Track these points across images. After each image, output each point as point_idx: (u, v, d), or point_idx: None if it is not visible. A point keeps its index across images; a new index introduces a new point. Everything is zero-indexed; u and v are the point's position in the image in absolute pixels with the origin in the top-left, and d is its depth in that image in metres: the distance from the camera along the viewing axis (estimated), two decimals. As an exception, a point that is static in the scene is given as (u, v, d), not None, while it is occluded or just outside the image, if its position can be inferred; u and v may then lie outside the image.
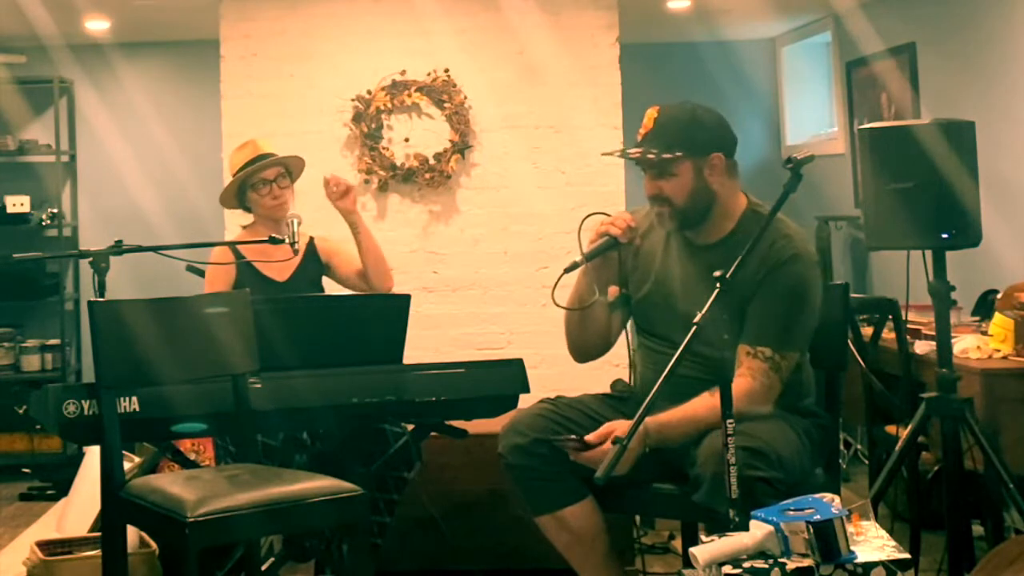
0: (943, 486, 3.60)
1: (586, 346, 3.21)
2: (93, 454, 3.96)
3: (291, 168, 4.13)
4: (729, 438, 2.51)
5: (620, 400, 3.14)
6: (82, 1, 5.59)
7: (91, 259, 3.28)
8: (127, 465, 3.76)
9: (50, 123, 6.56)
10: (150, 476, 3.27)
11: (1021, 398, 3.72)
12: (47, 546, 3.72)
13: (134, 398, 3.11)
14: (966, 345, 3.93)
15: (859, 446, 5.65)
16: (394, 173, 5.61)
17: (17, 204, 6.48)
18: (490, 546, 4.05)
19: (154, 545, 3.68)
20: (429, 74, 5.61)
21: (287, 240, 3.76)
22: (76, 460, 4.68)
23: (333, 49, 5.66)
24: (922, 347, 4.09)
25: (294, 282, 4.06)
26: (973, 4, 5.05)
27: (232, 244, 4.14)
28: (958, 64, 5.17)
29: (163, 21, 6.18)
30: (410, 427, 3.62)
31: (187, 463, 3.57)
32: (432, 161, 5.61)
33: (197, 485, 2.86)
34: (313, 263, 4.13)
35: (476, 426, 3.60)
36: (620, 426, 2.83)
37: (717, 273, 2.58)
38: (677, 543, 4.14)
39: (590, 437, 2.86)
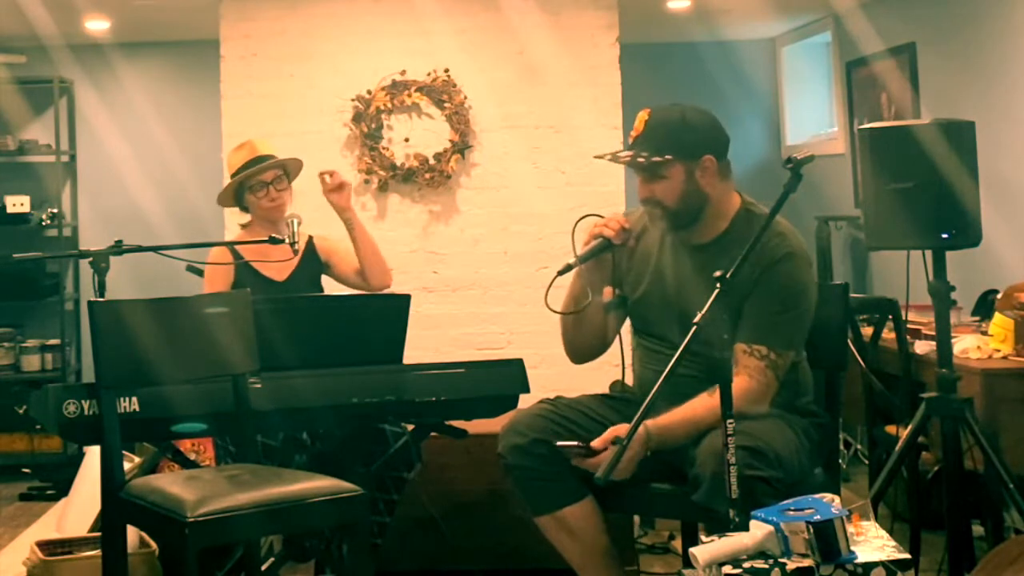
0: (943, 486, 3.60)
1: (582, 347, 3.21)
2: (93, 454, 3.96)
3: (289, 170, 4.13)
4: (729, 438, 2.51)
5: (620, 400, 3.14)
6: (82, 1, 5.59)
7: (91, 259, 3.28)
8: (127, 465, 3.76)
9: (50, 123, 6.56)
10: (150, 476, 3.27)
11: (1021, 398, 3.72)
12: (47, 546, 3.72)
13: (134, 398, 3.11)
14: (966, 345, 3.93)
15: (859, 446, 5.65)
16: (394, 173, 5.61)
17: (17, 204, 6.48)
18: (490, 546, 4.05)
19: (154, 545, 3.67)
20: (429, 74, 5.62)
21: (287, 240, 3.76)
22: (76, 460, 4.68)
23: (333, 49, 5.66)
24: (922, 347, 4.09)
25: (293, 282, 4.06)
26: (973, 4, 5.05)
27: (231, 244, 4.14)
28: (958, 64, 5.17)
29: (163, 21, 6.18)
30: (410, 427, 3.62)
31: (187, 463, 3.57)
32: (432, 161, 5.61)
33: (197, 485, 2.86)
34: (312, 262, 4.13)
35: (476, 426, 3.60)
36: (624, 431, 2.82)
37: (717, 273, 2.58)
38: (677, 543, 4.14)
39: (595, 443, 2.86)
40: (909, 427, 3.49)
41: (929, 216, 3.32)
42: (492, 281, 5.66)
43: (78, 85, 6.79)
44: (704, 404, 2.84)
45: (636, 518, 4.33)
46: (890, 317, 4.21)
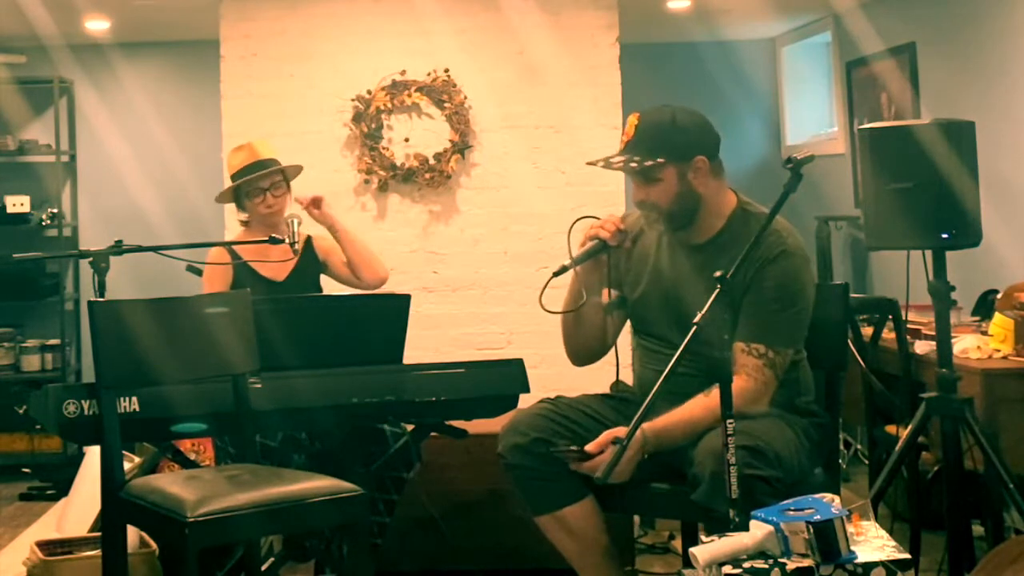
0: (943, 486, 3.60)
1: (582, 349, 3.22)
2: (93, 454, 3.95)
3: (287, 175, 4.14)
4: (729, 438, 2.51)
5: (620, 400, 3.14)
6: (82, 1, 5.59)
7: (91, 259, 3.28)
8: (127, 465, 3.76)
9: (50, 123, 6.56)
10: (150, 476, 3.27)
11: (1021, 398, 3.72)
12: (47, 546, 3.72)
13: (134, 398, 3.11)
14: (966, 345, 3.93)
15: (859, 446, 5.65)
16: (394, 173, 5.61)
17: (17, 204, 6.48)
18: (490, 546, 4.05)
19: (154, 545, 3.67)
20: (429, 74, 5.62)
21: (287, 240, 3.77)
22: (76, 460, 4.68)
23: (333, 49, 5.66)
24: (922, 347, 4.09)
25: (292, 281, 4.07)
26: (973, 4, 5.05)
27: (229, 244, 4.15)
28: (958, 64, 5.17)
29: (163, 21, 6.18)
30: (410, 427, 3.62)
31: (187, 463, 3.57)
32: (432, 161, 5.61)
33: (197, 485, 2.86)
34: (311, 262, 4.14)
35: (476, 426, 3.60)
36: (620, 434, 2.83)
37: (717, 274, 2.58)
38: (677, 543, 4.14)
39: (590, 447, 2.87)
40: (909, 427, 3.49)
41: (929, 216, 3.32)
42: (492, 281, 5.66)
43: (78, 85, 6.79)
44: (701, 405, 2.84)
45: (636, 518, 4.33)
46: (890, 317, 4.21)
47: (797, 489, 2.69)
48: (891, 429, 4.11)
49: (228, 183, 4.19)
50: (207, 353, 3.17)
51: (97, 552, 3.50)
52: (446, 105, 5.61)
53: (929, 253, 3.39)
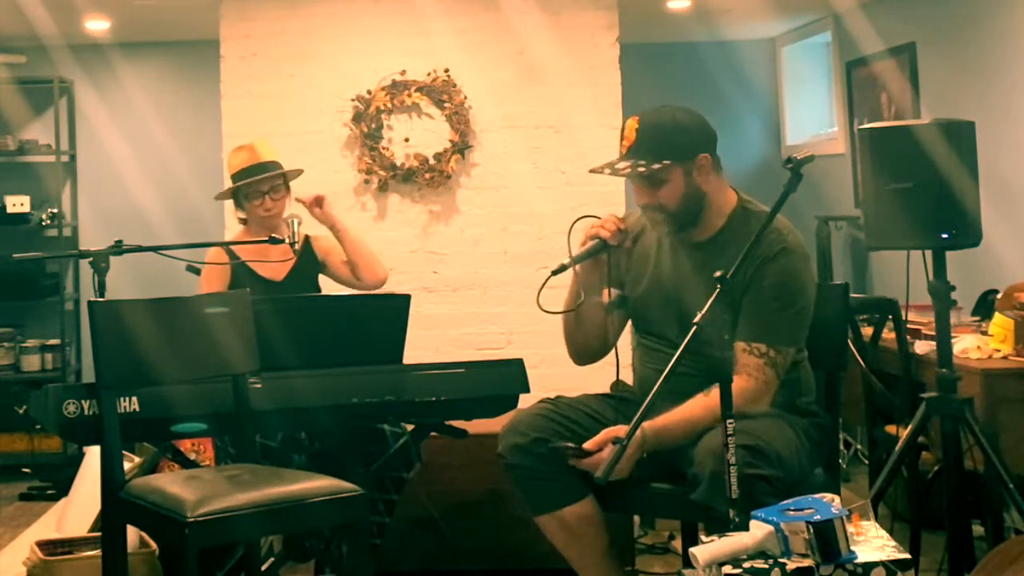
0: (943, 486, 3.60)
1: (583, 348, 3.21)
2: (93, 454, 3.95)
3: (286, 178, 4.13)
4: (729, 438, 2.51)
5: (620, 400, 3.14)
6: (82, 1, 5.59)
7: (91, 259, 3.28)
8: (127, 465, 3.76)
9: (50, 123, 6.56)
10: (150, 476, 3.27)
11: (1021, 398, 3.72)
12: (47, 546, 3.72)
13: (134, 398, 3.11)
14: (966, 345, 3.93)
15: (859, 446, 5.65)
16: (394, 173, 5.61)
17: (17, 204, 6.48)
18: (490, 546, 4.05)
19: (154, 545, 3.67)
20: (429, 74, 5.62)
21: (287, 240, 3.77)
22: (76, 460, 4.68)
23: (333, 49, 5.66)
24: (922, 347, 4.09)
25: (290, 281, 4.07)
26: (973, 4, 5.05)
27: (227, 244, 4.15)
28: (958, 64, 5.17)
29: (163, 21, 6.18)
30: (410, 427, 3.62)
31: (187, 463, 3.57)
32: (432, 161, 5.61)
33: (197, 485, 2.86)
34: (309, 262, 4.14)
35: (476, 426, 3.60)
36: (619, 431, 2.83)
37: (718, 274, 2.58)
38: (677, 543, 4.14)
39: (588, 444, 2.87)
40: (909, 427, 3.49)
41: (929, 216, 3.32)
42: (492, 281, 5.66)
43: (78, 85, 6.79)
44: (700, 404, 2.84)
45: (636, 518, 4.33)
46: (890, 317, 4.21)
47: (797, 489, 2.69)
48: (891, 429, 4.11)
49: (228, 182, 4.18)
50: (207, 353, 3.17)
51: (97, 552, 3.50)
52: (446, 105, 5.61)
53: (929, 253, 3.39)
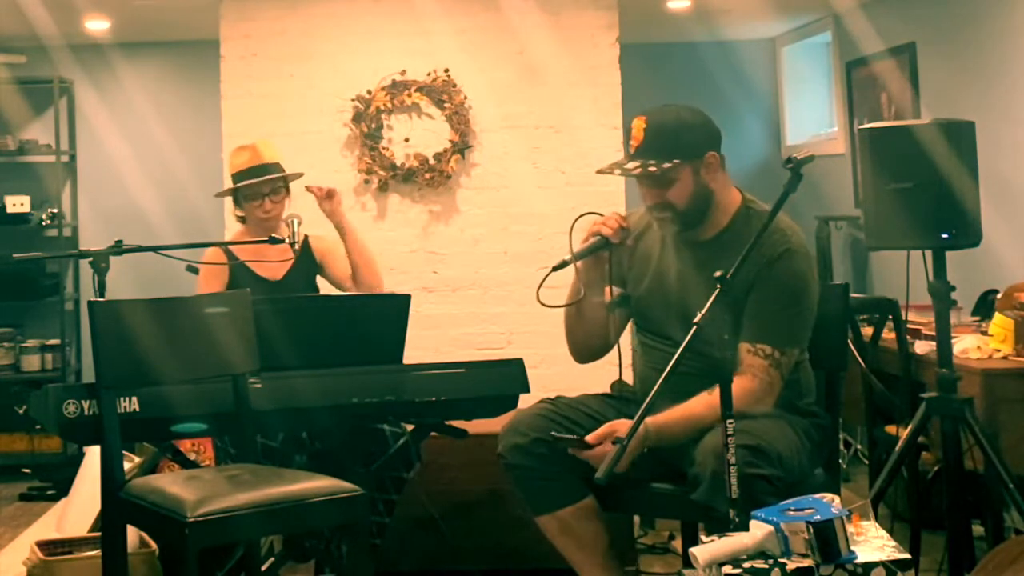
0: (943, 486, 3.60)
1: (584, 345, 3.21)
2: (93, 454, 3.95)
3: (287, 181, 4.12)
4: (729, 438, 2.51)
5: (620, 400, 3.14)
6: (82, 1, 5.59)
7: (91, 259, 3.28)
8: (127, 465, 3.76)
9: (50, 123, 6.56)
10: (150, 476, 3.27)
11: (1021, 398, 3.72)
12: (47, 546, 3.72)
13: (134, 398, 3.11)
14: (966, 345, 3.93)
15: (859, 446, 5.65)
16: (394, 173, 5.61)
17: (17, 204, 6.48)
18: (490, 546, 4.05)
19: (154, 545, 3.67)
20: (429, 74, 5.62)
21: (287, 240, 3.76)
22: (76, 460, 4.68)
23: (333, 49, 5.66)
24: (922, 347, 4.09)
25: (288, 281, 4.06)
26: (973, 4, 5.05)
27: (225, 244, 4.14)
28: (958, 64, 5.17)
29: (163, 21, 6.18)
30: (410, 427, 3.61)
31: (187, 463, 3.57)
32: (432, 161, 5.61)
33: (197, 485, 2.86)
34: (308, 262, 4.13)
35: (476, 426, 3.60)
36: (621, 426, 2.83)
37: (718, 273, 2.57)
38: (677, 543, 4.14)
39: (590, 437, 2.87)
40: (909, 427, 3.49)
41: (929, 216, 3.31)
42: (492, 281, 5.66)
43: (78, 85, 6.79)
44: (704, 402, 2.84)
45: (636, 518, 4.33)
46: (890, 317, 4.21)
47: (797, 489, 2.69)
48: (891, 429, 4.11)
49: (228, 182, 4.18)
50: (207, 353, 3.17)
51: (97, 552, 3.50)
52: (446, 105, 5.61)
53: (929, 253, 3.38)
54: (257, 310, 3.28)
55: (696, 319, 2.55)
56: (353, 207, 5.57)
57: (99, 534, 3.36)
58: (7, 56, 6.59)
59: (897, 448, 3.52)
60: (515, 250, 5.65)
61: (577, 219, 3.08)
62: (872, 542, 2.41)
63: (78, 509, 4.15)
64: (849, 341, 3.68)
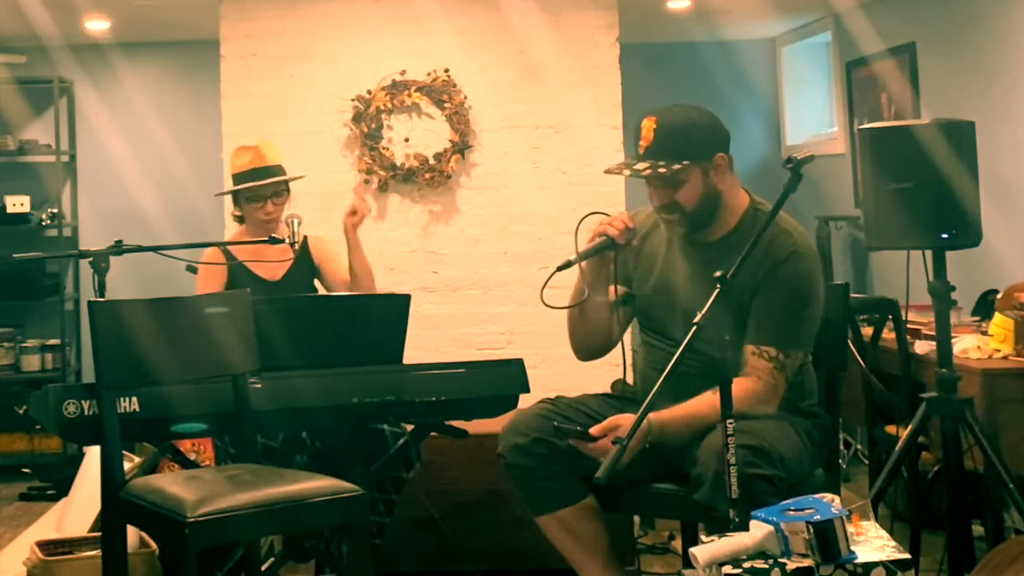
0: (943, 486, 3.60)
1: (586, 344, 3.21)
2: (93, 454, 3.95)
3: (288, 183, 4.12)
4: (729, 438, 2.51)
5: (620, 400, 3.13)
6: (82, 1, 5.59)
7: (91, 259, 3.28)
8: (127, 465, 3.76)
9: (50, 123, 6.56)
10: (150, 476, 3.27)
11: (1021, 398, 3.72)
12: (47, 546, 3.72)
13: (134, 398, 3.11)
14: (966, 345, 3.93)
15: (859, 446, 5.65)
16: (394, 173, 5.61)
17: (17, 204, 6.48)
18: (490, 546, 4.05)
19: (154, 545, 3.67)
20: (429, 74, 5.62)
21: (287, 240, 3.76)
22: (76, 460, 4.67)
23: (333, 49, 5.66)
24: (922, 347, 4.09)
25: (287, 282, 4.05)
26: (973, 4, 5.05)
27: (224, 244, 4.14)
28: (958, 64, 5.17)
29: (163, 21, 6.18)
30: (410, 427, 3.61)
31: (187, 463, 3.57)
32: (432, 161, 5.61)
33: (197, 485, 2.86)
34: (306, 263, 4.13)
35: (476, 426, 3.60)
36: (625, 419, 2.81)
37: (717, 273, 2.57)
38: (677, 543, 4.14)
39: (594, 430, 2.85)
40: (909, 427, 3.49)
41: (929, 216, 3.32)
42: (492, 281, 5.66)
43: (78, 85, 6.79)
44: (708, 402, 2.83)
45: (636, 518, 4.33)
46: (890, 317, 4.21)
47: (797, 489, 2.69)
48: (891, 429, 4.11)
49: (228, 182, 4.18)
50: (207, 353, 3.17)
51: (97, 552, 3.50)
52: (446, 105, 5.61)
53: (929, 253, 3.38)
54: (257, 310, 3.28)
55: (696, 319, 2.54)
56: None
57: (99, 534, 3.36)
58: (7, 56, 6.59)
59: (897, 448, 3.52)
60: (515, 250, 5.65)
61: (583, 219, 3.07)
62: (872, 542, 2.41)
63: (78, 509, 4.15)
64: (849, 341, 3.67)
